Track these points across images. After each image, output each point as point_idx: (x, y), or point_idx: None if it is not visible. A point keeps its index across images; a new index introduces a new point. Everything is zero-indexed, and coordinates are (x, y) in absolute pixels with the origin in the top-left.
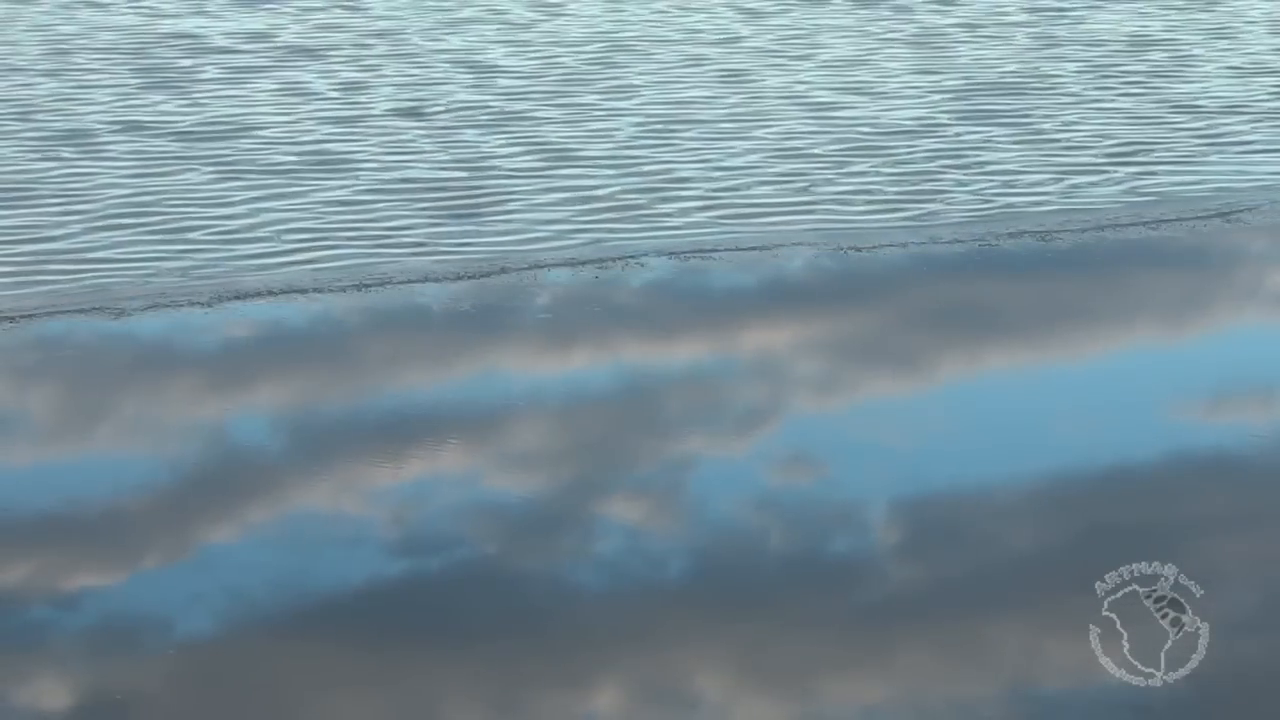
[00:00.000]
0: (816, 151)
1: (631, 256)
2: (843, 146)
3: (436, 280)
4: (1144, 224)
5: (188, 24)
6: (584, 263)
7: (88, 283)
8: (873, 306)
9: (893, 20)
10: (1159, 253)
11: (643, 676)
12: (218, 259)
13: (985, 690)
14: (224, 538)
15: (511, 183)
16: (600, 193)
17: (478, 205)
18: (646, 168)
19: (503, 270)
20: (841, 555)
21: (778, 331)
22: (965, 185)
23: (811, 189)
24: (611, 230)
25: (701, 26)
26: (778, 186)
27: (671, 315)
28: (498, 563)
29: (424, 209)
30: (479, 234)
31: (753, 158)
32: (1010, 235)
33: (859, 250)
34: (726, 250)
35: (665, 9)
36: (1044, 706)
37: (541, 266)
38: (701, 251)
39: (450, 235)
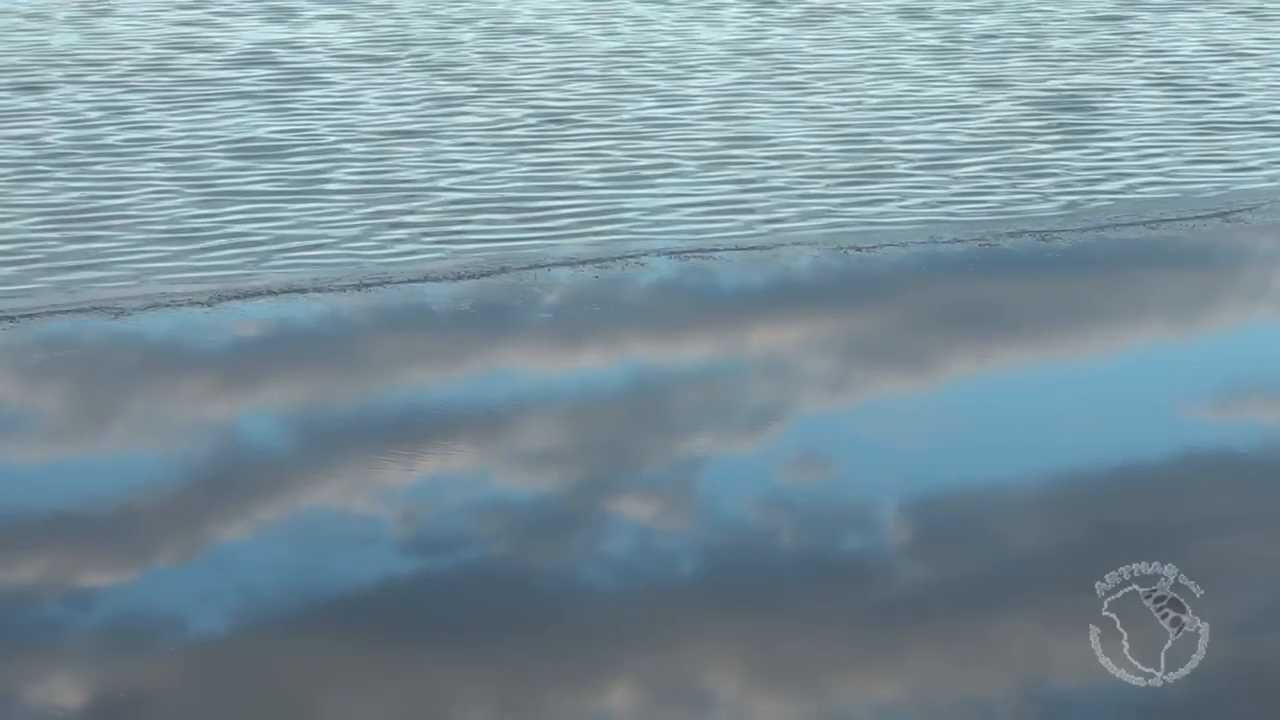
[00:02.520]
0: (877, 166)
1: (631, 256)
2: (898, 160)
3: (436, 279)
4: (1144, 223)
5: (228, 35)
6: (583, 262)
7: (85, 281)
8: (876, 306)
9: (943, 31)
10: (1160, 252)
11: (653, 675)
12: (220, 260)
13: (994, 689)
14: (234, 536)
15: (524, 187)
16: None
17: (484, 209)
18: (698, 179)
19: (503, 270)
20: (850, 554)
21: (781, 330)
22: (1026, 194)
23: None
24: (613, 230)
25: (745, 38)
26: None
27: (674, 314)
28: (507, 562)
29: (431, 211)
30: (478, 235)
31: (779, 169)
32: (1011, 235)
33: (859, 250)
34: (727, 250)
35: (717, 22)
36: (1053, 705)
37: (541, 266)
38: (702, 251)
39: (452, 236)
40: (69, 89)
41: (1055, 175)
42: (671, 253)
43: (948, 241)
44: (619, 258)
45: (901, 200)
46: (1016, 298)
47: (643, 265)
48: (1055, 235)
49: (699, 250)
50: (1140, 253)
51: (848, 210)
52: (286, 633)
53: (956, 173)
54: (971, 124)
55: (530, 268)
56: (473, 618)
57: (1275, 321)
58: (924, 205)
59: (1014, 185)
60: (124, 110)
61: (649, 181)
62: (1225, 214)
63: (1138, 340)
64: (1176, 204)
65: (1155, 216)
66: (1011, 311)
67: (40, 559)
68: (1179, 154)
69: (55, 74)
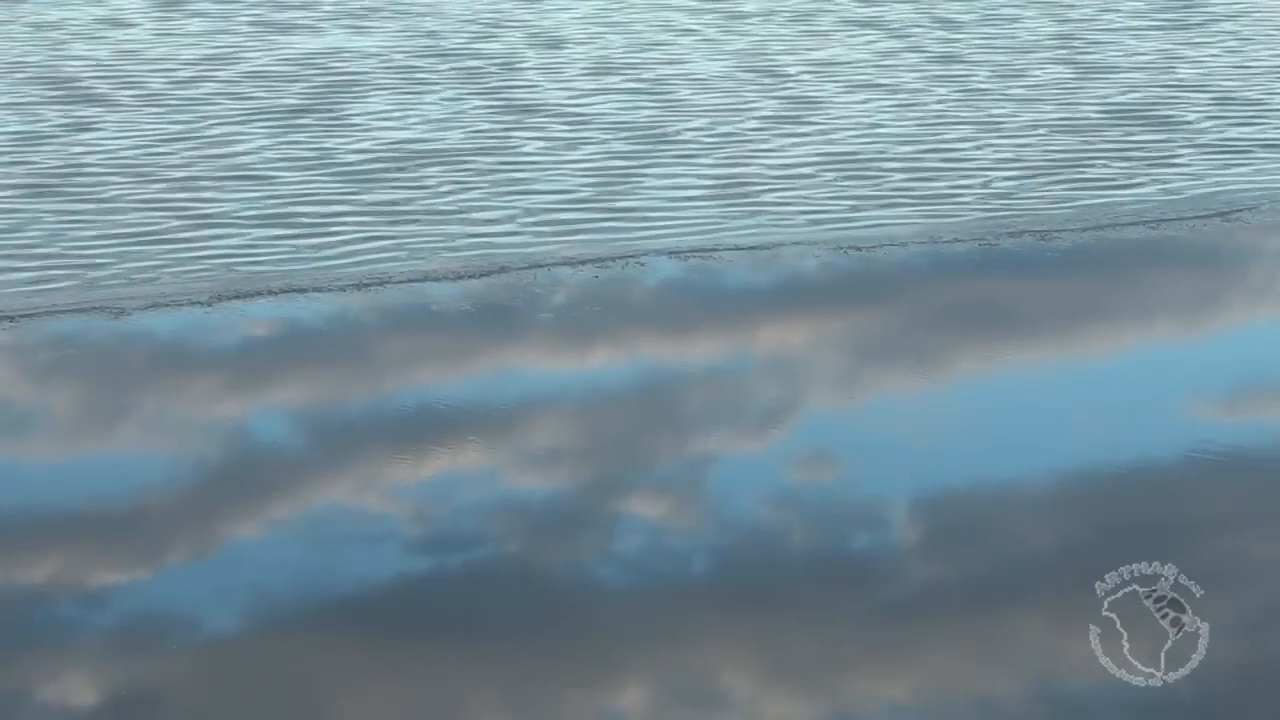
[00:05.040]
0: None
1: (631, 256)
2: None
3: (436, 280)
4: (1144, 223)
5: (271, 49)
6: (583, 262)
7: (84, 283)
8: (879, 305)
9: (975, 40)
10: (1161, 252)
11: (663, 673)
12: (220, 261)
13: (1005, 686)
14: (245, 535)
15: (546, 198)
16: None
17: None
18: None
19: (502, 270)
20: (858, 553)
21: (784, 330)
22: (1027, 194)
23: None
24: (615, 231)
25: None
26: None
27: (679, 314)
28: (517, 560)
29: (436, 213)
30: (479, 236)
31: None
32: (1010, 234)
33: (859, 250)
34: (726, 250)
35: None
36: (1060, 704)
37: (541, 266)
38: (703, 251)
39: (451, 236)
40: (116, 102)
41: (1061, 177)
42: (672, 253)
43: (947, 241)
44: (617, 258)
45: (904, 202)
46: (1019, 298)
47: (643, 265)
48: (1054, 235)
49: (700, 250)
50: (1141, 253)
51: (852, 207)
52: (297, 630)
53: (960, 173)
54: (994, 130)
55: (529, 268)
56: (483, 616)
57: (1276, 321)
58: (926, 205)
59: (1021, 188)
60: (170, 120)
61: (725, 192)
62: (1225, 214)
63: (1140, 340)
64: (1177, 204)
65: (1155, 216)
66: (1014, 312)
67: (52, 558)
68: (1199, 160)
69: (105, 86)
